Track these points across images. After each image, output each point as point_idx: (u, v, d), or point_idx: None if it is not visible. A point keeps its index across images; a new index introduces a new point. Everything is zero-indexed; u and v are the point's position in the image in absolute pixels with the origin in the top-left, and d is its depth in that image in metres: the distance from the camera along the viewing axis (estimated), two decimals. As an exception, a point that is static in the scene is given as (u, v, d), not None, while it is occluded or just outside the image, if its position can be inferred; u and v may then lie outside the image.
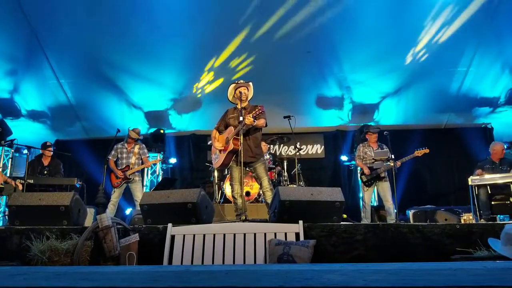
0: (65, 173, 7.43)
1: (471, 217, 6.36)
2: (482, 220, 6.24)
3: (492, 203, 6.37)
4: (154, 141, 8.89)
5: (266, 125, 4.90)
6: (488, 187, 6.39)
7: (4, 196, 6.52)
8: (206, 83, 8.42)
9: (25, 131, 8.86)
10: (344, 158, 8.98)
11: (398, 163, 6.18)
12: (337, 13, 6.81)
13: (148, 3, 6.73)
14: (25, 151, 8.07)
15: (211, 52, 7.80)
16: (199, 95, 8.70)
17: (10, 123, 8.21)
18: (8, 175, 7.59)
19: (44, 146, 7.05)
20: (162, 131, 9.02)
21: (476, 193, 6.51)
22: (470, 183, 6.54)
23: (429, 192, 8.84)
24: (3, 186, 6.03)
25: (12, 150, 8.22)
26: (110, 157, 6.60)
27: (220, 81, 8.29)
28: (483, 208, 6.45)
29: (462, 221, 6.09)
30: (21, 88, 8.21)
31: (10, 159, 8.29)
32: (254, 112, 4.62)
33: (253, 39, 7.43)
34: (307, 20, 6.94)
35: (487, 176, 6.41)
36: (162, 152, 9.04)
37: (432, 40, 7.29)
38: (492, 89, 8.07)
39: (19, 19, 6.79)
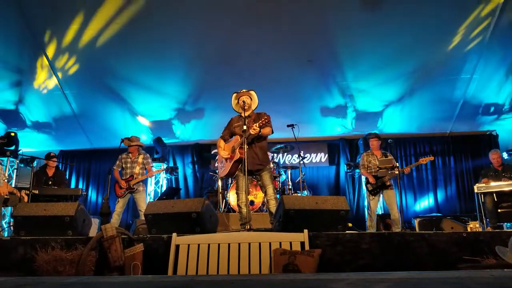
0: (70, 183, 7.46)
1: (477, 225, 6.33)
2: (488, 228, 6.19)
3: (499, 210, 6.33)
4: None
5: (272, 132, 4.90)
6: (494, 194, 6.35)
7: (10, 207, 6.54)
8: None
9: (30, 142, 8.93)
10: (346, 168, 8.93)
11: (408, 169, 6.16)
12: (339, 21, 6.83)
13: (151, 15, 6.78)
14: (30, 162, 8.13)
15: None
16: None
17: (15, 134, 8.26)
18: (13, 185, 7.62)
19: (48, 156, 7.09)
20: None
21: (482, 201, 6.48)
22: (476, 191, 6.51)
23: (435, 200, 8.79)
24: (8, 197, 6.06)
25: (17, 161, 8.26)
26: (114, 167, 6.66)
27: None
28: (490, 216, 6.41)
29: (469, 229, 6.06)
30: (26, 99, 8.29)
31: (15, 170, 8.33)
32: (260, 121, 4.59)
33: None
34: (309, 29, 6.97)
35: (493, 183, 6.38)
36: (165, 162, 9.07)
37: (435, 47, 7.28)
38: (497, 96, 8.06)
39: (24, 30, 6.87)
